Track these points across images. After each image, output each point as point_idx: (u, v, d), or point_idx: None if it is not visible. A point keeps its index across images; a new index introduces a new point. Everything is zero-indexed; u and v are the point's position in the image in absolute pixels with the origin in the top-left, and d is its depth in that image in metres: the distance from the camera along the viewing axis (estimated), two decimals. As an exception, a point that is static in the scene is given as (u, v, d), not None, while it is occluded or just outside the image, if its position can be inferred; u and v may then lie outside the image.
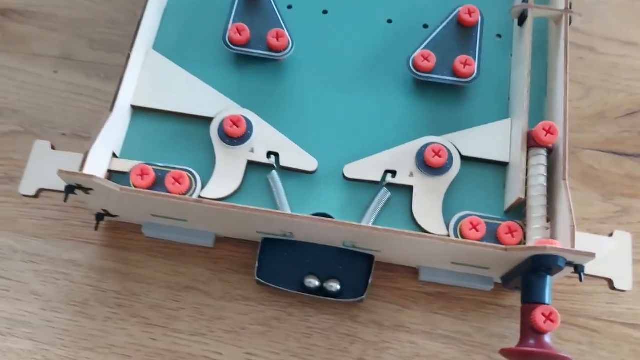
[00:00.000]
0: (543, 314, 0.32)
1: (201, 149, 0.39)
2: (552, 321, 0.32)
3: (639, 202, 0.42)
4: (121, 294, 0.38)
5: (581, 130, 0.44)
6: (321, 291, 0.37)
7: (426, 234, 0.33)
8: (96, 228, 0.39)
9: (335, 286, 0.37)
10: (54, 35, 0.46)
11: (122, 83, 0.38)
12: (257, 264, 0.37)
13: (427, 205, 0.37)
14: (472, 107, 0.40)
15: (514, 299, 0.38)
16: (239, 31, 0.40)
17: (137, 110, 0.40)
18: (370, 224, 0.36)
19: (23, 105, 0.44)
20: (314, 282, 0.37)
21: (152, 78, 0.40)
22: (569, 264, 0.32)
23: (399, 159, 0.38)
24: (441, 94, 0.40)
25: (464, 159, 0.38)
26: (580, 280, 0.32)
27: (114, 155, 0.38)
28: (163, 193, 0.34)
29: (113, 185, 0.34)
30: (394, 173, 0.38)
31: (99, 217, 0.39)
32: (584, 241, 0.36)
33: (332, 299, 0.37)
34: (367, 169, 0.38)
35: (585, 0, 0.49)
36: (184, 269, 0.39)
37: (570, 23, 0.40)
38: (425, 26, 0.43)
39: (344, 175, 0.38)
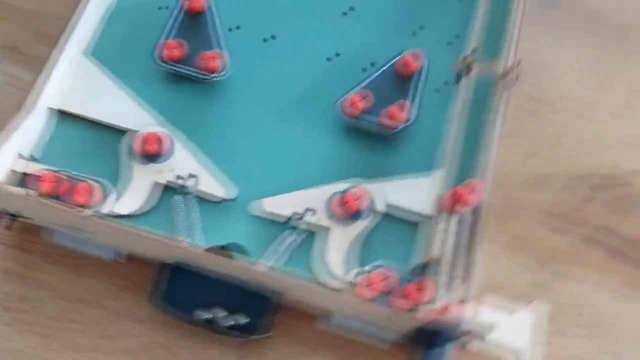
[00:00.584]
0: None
1: (117, 162, 0.37)
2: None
3: (570, 275, 0.40)
4: (10, 297, 0.37)
5: (523, 192, 0.43)
6: (214, 323, 0.36)
7: (312, 285, 0.32)
8: (7, 228, 0.38)
9: (234, 320, 0.36)
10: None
11: (44, 85, 0.37)
12: (156, 287, 0.36)
13: (334, 252, 0.36)
14: (402, 156, 0.39)
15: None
16: (171, 47, 0.39)
17: (63, 115, 0.39)
18: (270, 263, 0.35)
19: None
20: (207, 315, 0.36)
21: (82, 84, 0.39)
22: (468, 332, 0.31)
23: (318, 199, 0.37)
24: (372, 139, 0.39)
25: (388, 209, 0.37)
26: (465, 348, 0.31)
27: (33, 158, 0.37)
28: (53, 202, 0.33)
29: (9, 189, 0.33)
30: (311, 212, 0.36)
31: (12, 217, 0.38)
32: (497, 308, 0.35)
33: (229, 335, 0.36)
34: (286, 204, 0.37)
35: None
36: (86, 281, 0.38)
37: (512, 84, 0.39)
38: (372, 64, 0.41)
39: (263, 207, 0.37)
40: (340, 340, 0.37)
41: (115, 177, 0.37)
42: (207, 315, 0.35)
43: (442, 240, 0.34)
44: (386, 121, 0.38)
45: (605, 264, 0.41)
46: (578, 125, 0.45)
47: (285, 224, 0.36)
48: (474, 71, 0.39)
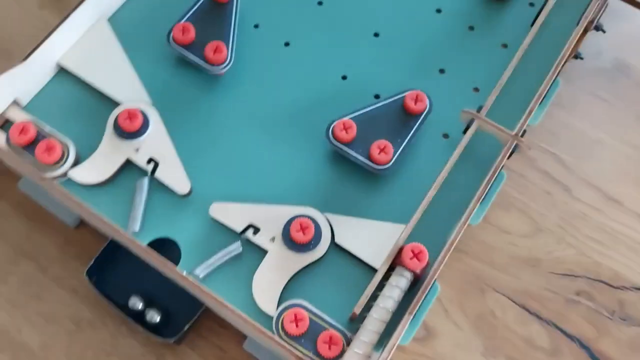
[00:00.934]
0: None
1: (98, 129, 0.38)
2: None
3: (521, 374, 0.37)
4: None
5: (504, 270, 0.39)
6: (140, 316, 0.35)
7: (224, 304, 0.30)
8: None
9: (155, 317, 0.35)
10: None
11: (49, 37, 0.38)
12: (91, 262, 0.36)
13: (271, 278, 0.34)
14: (379, 197, 0.36)
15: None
16: (182, 30, 0.39)
17: (63, 70, 0.40)
18: (203, 273, 0.34)
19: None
20: (137, 305, 0.35)
21: (91, 46, 0.40)
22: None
23: (269, 219, 0.35)
24: (354, 172, 0.37)
25: (336, 246, 0.35)
26: None
27: (20, 105, 0.38)
28: (5, 146, 0.34)
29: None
30: (256, 230, 0.35)
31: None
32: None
33: (148, 330, 0.35)
34: (233, 215, 0.35)
35: (588, 133, 0.43)
36: (37, 237, 0.39)
37: (514, 152, 0.36)
38: (377, 96, 0.39)
39: (210, 211, 0.36)
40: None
41: (93, 145, 0.37)
42: (125, 301, 0.35)
43: (367, 296, 0.31)
44: (374, 155, 0.35)
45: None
46: (594, 219, 0.41)
47: (230, 234, 0.35)
48: (472, 129, 0.36)
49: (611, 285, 0.39)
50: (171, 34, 0.39)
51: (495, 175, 0.35)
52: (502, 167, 0.36)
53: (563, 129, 0.44)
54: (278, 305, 0.33)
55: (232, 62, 0.39)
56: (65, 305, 0.37)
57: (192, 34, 0.39)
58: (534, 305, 0.38)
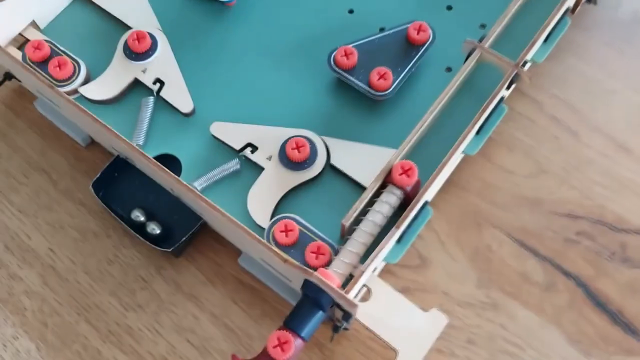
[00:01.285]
0: (278, 339, 0.29)
1: (109, 52, 0.39)
2: (282, 350, 0.29)
3: (515, 306, 0.36)
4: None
5: (504, 208, 0.39)
6: (142, 228, 0.37)
7: (219, 210, 0.31)
8: (-1, 84, 0.41)
9: (155, 229, 0.36)
10: None
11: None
12: (98, 175, 0.37)
13: (266, 193, 0.35)
14: (378, 124, 0.37)
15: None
16: (194, -41, 0.40)
17: (80, -3, 0.41)
18: (202, 186, 0.35)
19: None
20: (139, 217, 0.37)
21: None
22: (338, 306, 0.29)
23: (268, 139, 0.36)
24: (355, 99, 0.37)
25: (332, 168, 0.35)
26: (335, 331, 0.29)
27: (37, 26, 0.40)
28: (19, 60, 0.35)
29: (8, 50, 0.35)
30: (254, 149, 0.36)
31: (6, 76, 0.41)
32: (392, 301, 0.32)
33: (147, 241, 0.36)
34: (233, 134, 0.36)
35: (601, 82, 0.43)
36: (50, 153, 0.40)
37: (514, 82, 0.35)
38: (382, 29, 0.39)
39: (211, 129, 0.37)
40: (240, 286, 0.36)
41: (105, 67, 0.39)
42: (128, 214, 0.36)
43: (356, 209, 0.32)
44: (374, 81, 0.36)
45: (559, 310, 0.36)
46: (601, 164, 0.40)
47: (230, 152, 0.36)
48: (473, 58, 0.35)
49: (614, 228, 0.38)
50: (184, -37, 0.40)
51: (494, 106, 0.35)
52: (502, 99, 0.36)
53: (575, 76, 0.43)
54: (271, 219, 0.34)
55: (244, -7, 0.40)
56: (72, 217, 0.38)
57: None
58: (532, 242, 0.38)
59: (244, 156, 0.36)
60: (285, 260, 0.30)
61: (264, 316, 0.36)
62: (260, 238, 0.30)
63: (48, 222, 0.38)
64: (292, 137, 0.35)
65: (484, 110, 0.34)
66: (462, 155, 0.36)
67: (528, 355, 0.35)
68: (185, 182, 0.32)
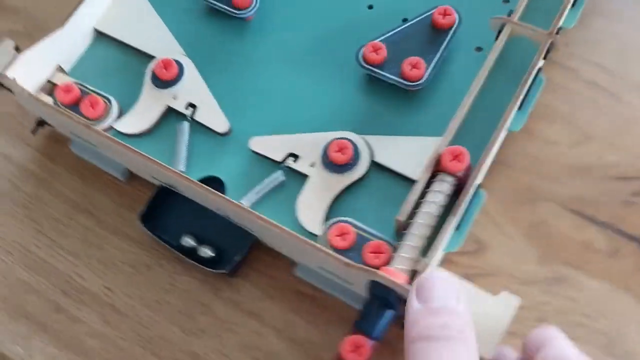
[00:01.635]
0: (353, 344, 0.28)
1: (136, 84, 0.39)
2: (358, 355, 0.28)
3: (580, 277, 0.35)
4: (31, 197, 0.41)
5: (554, 180, 0.38)
6: (194, 253, 0.36)
7: (272, 223, 0.31)
8: (33, 132, 0.41)
9: (208, 252, 0.36)
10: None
11: (81, 4, 0.39)
12: (144, 208, 0.37)
13: (314, 200, 0.34)
14: (416, 115, 0.36)
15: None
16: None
17: (100, 35, 0.41)
18: (250, 202, 0.35)
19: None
20: (189, 242, 0.36)
21: (123, 9, 0.41)
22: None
23: (308, 146, 0.36)
24: (388, 93, 0.37)
25: (376, 165, 0.35)
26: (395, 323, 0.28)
27: (63, 70, 0.40)
28: (52, 105, 0.35)
29: (17, 87, 0.36)
30: (296, 157, 0.35)
31: (39, 123, 0.41)
32: (467, 291, 0.31)
33: (201, 265, 0.36)
34: (273, 146, 0.36)
35: (634, 39, 0.42)
36: (91, 192, 0.40)
37: (550, 51, 0.35)
38: (405, 20, 0.39)
39: (250, 145, 0.36)
40: (299, 296, 0.36)
41: (129, 98, 0.39)
42: (178, 241, 0.36)
43: (412, 203, 0.31)
44: (406, 72, 0.35)
45: (627, 275, 0.35)
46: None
47: (272, 165, 0.36)
48: (504, 33, 0.35)
49: None
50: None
51: (533, 78, 0.34)
52: (540, 71, 0.35)
53: (607, 38, 0.42)
54: (325, 225, 0.33)
55: (258, 4, 0.39)
56: (123, 252, 0.38)
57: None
58: (588, 210, 0.37)
59: (287, 167, 0.35)
60: (348, 264, 0.29)
61: (328, 324, 0.36)
62: (319, 245, 0.30)
63: (100, 260, 0.38)
64: (333, 140, 0.35)
65: (524, 84, 0.33)
66: (507, 132, 0.35)
67: (601, 324, 0.34)
68: (233, 201, 0.32)
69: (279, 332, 0.35)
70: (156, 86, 0.38)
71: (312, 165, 0.35)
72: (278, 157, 0.36)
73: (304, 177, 0.35)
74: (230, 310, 0.36)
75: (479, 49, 0.38)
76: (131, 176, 0.40)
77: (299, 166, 0.35)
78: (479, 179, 0.32)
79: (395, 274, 0.29)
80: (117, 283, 0.38)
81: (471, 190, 0.31)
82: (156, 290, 0.37)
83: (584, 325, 0.34)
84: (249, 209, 0.32)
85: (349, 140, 0.35)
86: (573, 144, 0.39)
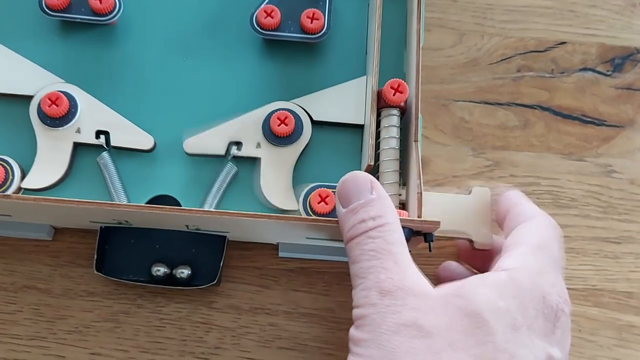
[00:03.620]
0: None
1: (24, 133, 0.34)
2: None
3: (511, 154, 0.40)
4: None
5: (453, 81, 0.42)
6: (171, 279, 0.34)
7: (261, 215, 0.30)
8: None
9: (185, 272, 0.34)
10: None
11: None
12: (95, 256, 0.34)
13: (275, 179, 0.34)
14: (327, 66, 0.37)
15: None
16: (53, -6, 0.35)
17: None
18: (213, 205, 0.33)
19: None
20: (162, 270, 0.34)
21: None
22: (417, 232, 0.30)
23: (245, 129, 0.35)
24: (292, 53, 0.37)
25: (316, 124, 0.35)
26: (430, 250, 0.30)
27: None
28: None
29: None
30: (239, 145, 0.35)
31: None
32: (442, 202, 0.34)
33: (183, 287, 0.34)
34: (210, 142, 0.34)
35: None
36: (20, 267, 0.35)
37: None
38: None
39: (186, 149, 0.34)
40: (291, 273, 0.36)
41: (20, 150, 0.34)
42: (148, 274, 0.34)
43: (373, 146, 0.32)
44: (307, 25, 0.35)
45: (543, 138, 0.41)
46: (500, 2, 0.44)
47: (214, 162, 0.34)
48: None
49: (539, 51, 0.43)
50: (43, 3, 0.35)
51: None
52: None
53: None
54: (296, 198, 0.33)
55: (122, 6, 0.36)
56: (91, 311, 0.35)
57: (63, -6, 0.35)
58: (490, 97, 0.41)
59: (234, 156, 0.34)
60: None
61: (330, 285, 0.36)
62: (318, 218, 0.30)
63: (70, 331, 0.34)
64: (271, 114, 0.34)
65: (419, 1, 0.35)
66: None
67: (543, 185, 0.39)
68: (200, 209, 0.30)
69: (289, 314, 0.35)
70: (51, 126, 0.34)
71: (258, 146, 0.34)
72: (220, 151, 0.34)
73: (255, 160, 0.34)
74: (233, 316, 0.35)
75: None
76: (57, 232, 0.36)
77: (246, 152, 0.34)
78: (419, 101, 0.34)
79: (398, 213, 0.30)
80: (102, 343, 0.34)
81: (419, 114, 0.33)
82: (148, 332, 0.35)
83: (531, 193, 0.39)
84: (226, 212, 0.30)
85: (286, 109, 0.34)
86: (454, 44, 0.43)
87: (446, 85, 0.41)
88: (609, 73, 0.42)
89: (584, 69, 0.42)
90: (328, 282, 0.36)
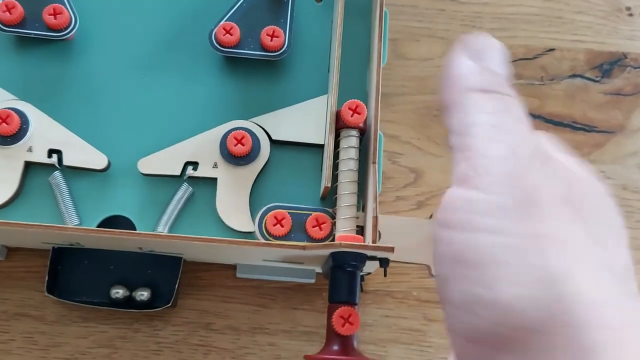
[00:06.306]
0: (342, 317, 0.29)
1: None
2: (350, 324, 0.29)
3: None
4: None
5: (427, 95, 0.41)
6: (131, 301, 0.34)
7: (213, 239, 0.30)
8: None
9: (144, 294, 0.34)
10: None
11: None
12: (46, 277, 0.33)
13: (232, 200, 0.33)
14: (288, 84, 0.36)
15: (377, 283, 0.36)
16: (8, 9, 0.34)
17: None
18: (167, 226, 0.33)
19: None
20: (121, 292, 0.33)
21: None
22: (372, 258, 0.30)
23: (201, 149, 0.34)
24: (253, 71, 0.36)
25: (276, 143, 0.35)
26: (385, 275, 0.30)
27: None
28: None
29: None
30: (195, 165, 0.34)
31: None
32: (403, 225, 0.33)
33: (144, 310, 0.33)
34: (165, 162, 0.34)
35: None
36: (11, 294, 0.35)
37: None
38: (239, -7, 0.38)
39: (139, 169, 0.34)
40: (288, 291, 0.36)
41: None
42: (109, 296, 0.33)
43: (330, 167, 0.32)
44: (267, 43, 0.35)
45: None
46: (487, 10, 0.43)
47: (170, 182, 0.34)
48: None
49: (528, 58, 0.42)
50: (-4, 19, 0.34)
51: (383, 12, 0.36)
52: (384, 4, 0.37)
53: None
54: (253, 219, 0.33)
55: (77, 22, 0.35)
56: (86, 337, 0.34)
57: (18, 9, 0.34)
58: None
59: (190, 177, 0.34)
60: (304, 247, 0.30)
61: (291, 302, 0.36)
62: (272, 241, 0.29)
63: (65, 359, 0.34)
64: (227, 134, 0.33)
65: (380, 20, 0.34)
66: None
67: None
68: (151, 232, 0.30)
69: (288, 333, 0.35)
70: (1, 144, 0.33)
71: (215, 166, 0.34)
72: (176, 171, 0.34)
73: (212, 181, 0.34)
74: (232, 337, 0.35)
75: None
76: (10, 251, 0.35)
77: (202, 172, 0.34)
78: (378, 122, 0.33)
79: (352, 238, 0.30)
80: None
81: (377, 134, 0.32)
82: (145, 356, 0.35)
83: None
84: (177, 235, 0.30)
85: (243, 128, 0.34)
86: (442, 54, 0.42)
87: (437, 95, 0.41)
88: (597, 79, 0.42)
89: (573, 76, 0.42)
90: (326, 299, 0.35)
